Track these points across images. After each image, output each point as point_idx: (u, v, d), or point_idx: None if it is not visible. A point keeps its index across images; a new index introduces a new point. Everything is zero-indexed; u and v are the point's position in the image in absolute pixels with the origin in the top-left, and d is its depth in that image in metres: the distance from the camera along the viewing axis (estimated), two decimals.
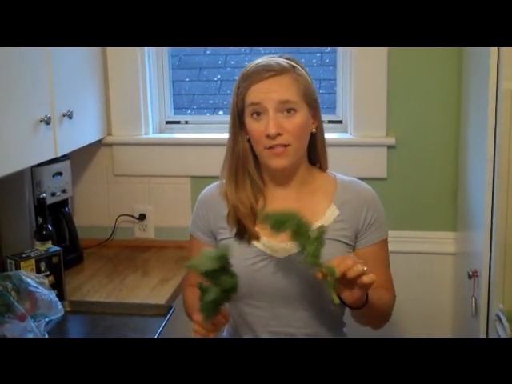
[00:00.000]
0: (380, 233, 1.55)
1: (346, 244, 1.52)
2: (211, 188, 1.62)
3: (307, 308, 1.50)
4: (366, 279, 1.27)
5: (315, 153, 1.57)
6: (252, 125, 1.47)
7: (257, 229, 1.51)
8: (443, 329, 2.30)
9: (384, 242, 1.57)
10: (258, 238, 1.50)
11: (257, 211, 1.52)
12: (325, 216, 1.51)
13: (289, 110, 1.45)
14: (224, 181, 1.56)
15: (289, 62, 1.50)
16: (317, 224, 1.49)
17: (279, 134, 1.44)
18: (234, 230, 1.53)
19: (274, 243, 1.50)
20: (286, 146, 1.45)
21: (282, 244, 1.49)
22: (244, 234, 1.51)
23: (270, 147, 1.45)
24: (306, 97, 1.48)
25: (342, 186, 1.56)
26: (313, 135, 1.53)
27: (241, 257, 1.49)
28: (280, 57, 1.51)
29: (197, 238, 1.61)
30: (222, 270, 1.29)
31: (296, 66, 1.50)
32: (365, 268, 1.27)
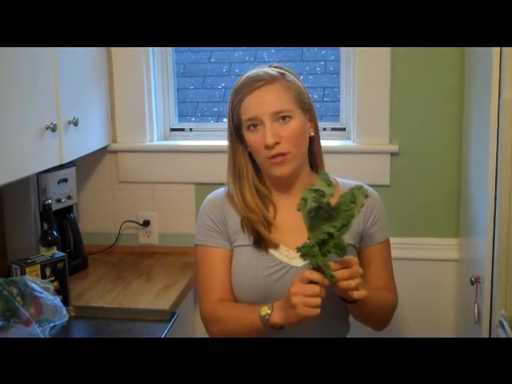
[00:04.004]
0: (382, 234, 1.57)
1: (354, 246, 1.54)
2: (218, 192, 1.60)
3: (321, 316, 1.46)
4: (355, 295, 1.30)
5: (313, 156, 1.58)
6: (250, 137, 1.48)
7: (274, 236, 1.50)
8: (446, 335, 2.29)
9: (386, 244, 1.59)
10: (276, 247, 1.50)
11: (269, 218, 1.52)
12: None
13: (284, 118, 1.46)
14: (231, 187, 1.56)
15: (278, 70, 1.50)
16: None
17: (277, 143, 1.45)
18: (252, 238, 1.51)
19: (291, 251, 1.48)
20: (285, 154, 1.46)
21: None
22: (261, 242, 1.50)
23: (271, 157, 1.46)
24: (299, 102, 1.49)
25: (345, 190, 1.55)
26: (311, 139, 1.54)
27: (259, 266, 1.49)
28: (269, 66, 1.52)
29: (211, 245, 1.54)
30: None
31: (285, 72, 1.50)
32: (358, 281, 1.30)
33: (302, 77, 2.55)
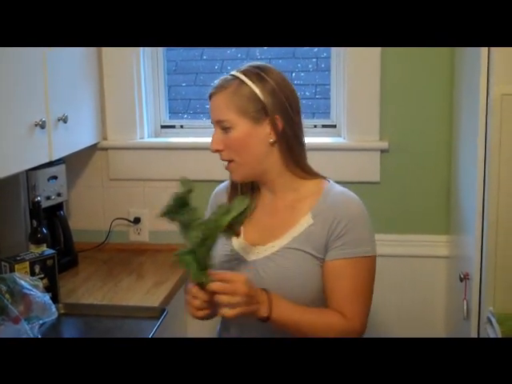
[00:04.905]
0: (352, 250, 1.42)
1: (313, 256, 1.44)
2: (223, 183, 1.63)
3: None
4: (221, 311, 1.33)
5: (288, 159, 1.48)
6: None
7: (242, 227, 1.48)
8: (436, 331, 2.31)
9: (358, 262, 1.43)
10: (237, 235, 1.49)
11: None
12: (299, 224, 1.46)
13: (224, 127, 1.45)
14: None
15: (237, 74, 1.45)
16: (287, 234, 1.47)
17: (221, 150, 1.47)
18: None
19: (246, 244, 1.49)
20: (230, 161, 1.47)
21: (253, 247, 1.48)
22: (230, 228, 1.46)
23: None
24: (245, 111, 1.42)
25: (325, 196, 1.48)
26: (280, 143, 1.45)
27: (219, 252, 1.49)
28: (245, 67, 1.47)
29: None
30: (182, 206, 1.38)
31: (242, 77, 1.43)
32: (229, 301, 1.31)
33: (293, 74, 2.55)
